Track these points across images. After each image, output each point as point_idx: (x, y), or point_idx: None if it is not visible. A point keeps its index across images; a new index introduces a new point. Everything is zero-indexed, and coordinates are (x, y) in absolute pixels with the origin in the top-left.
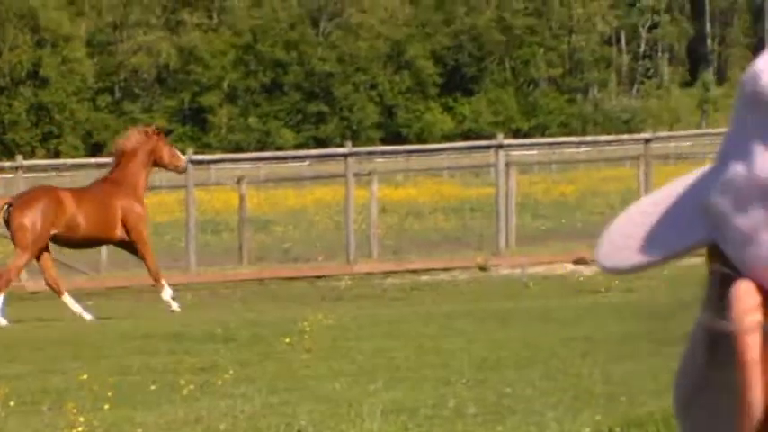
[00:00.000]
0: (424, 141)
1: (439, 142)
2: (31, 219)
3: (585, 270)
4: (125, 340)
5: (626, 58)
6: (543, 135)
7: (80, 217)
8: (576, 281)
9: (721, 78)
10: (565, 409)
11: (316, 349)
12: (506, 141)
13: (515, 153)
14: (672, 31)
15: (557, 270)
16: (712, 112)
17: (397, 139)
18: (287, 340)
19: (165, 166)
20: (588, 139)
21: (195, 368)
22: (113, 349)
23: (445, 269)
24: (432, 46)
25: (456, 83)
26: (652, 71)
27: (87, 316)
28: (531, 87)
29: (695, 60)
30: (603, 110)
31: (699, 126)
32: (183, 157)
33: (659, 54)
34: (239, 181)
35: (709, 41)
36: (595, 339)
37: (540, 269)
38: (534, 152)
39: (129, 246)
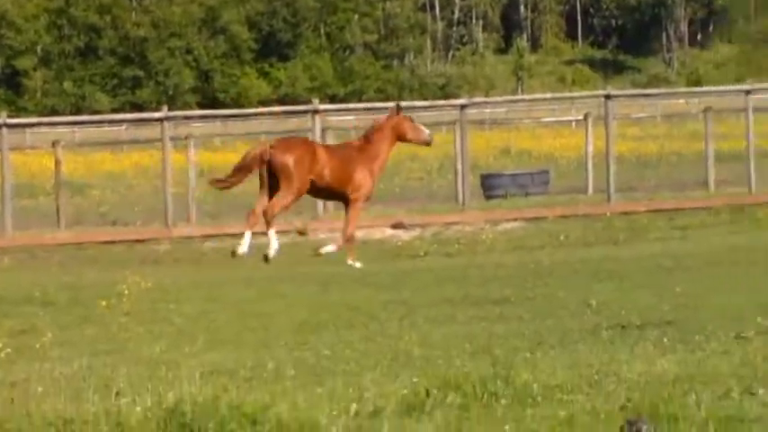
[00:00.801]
0: (241, 106)
1: (255, 107)
2: (292, 161)
3: (404, 235)
4: None
5: (441, 25)
6: (359, 100)
7: (326, 170)
8: (395, 245)
9: (535, 45)
10: (383, 371)
11: (135, 312)
12: (322, 106)
13: (332, 118)
14: None
15: (375, 234)
16: (527, 79)
17: (213, 103)
18: (105, 303)
19: (409, 141)
20: (404, 104)
21: (13, 331)
22: None
23: (264, 233)
24: (246, 11)
25: (271, 48)
26: (467, 38)
27: (273, 250)
28: (346, 53)
29: (509, 27)
30: (419, 76)
31: (514, 92)
32: (427, 131)
33: (473, 21)
34: (55, 145)
35: (522, 8)
36: (414, 303)
37: (358, 233)
38: (351, 117)
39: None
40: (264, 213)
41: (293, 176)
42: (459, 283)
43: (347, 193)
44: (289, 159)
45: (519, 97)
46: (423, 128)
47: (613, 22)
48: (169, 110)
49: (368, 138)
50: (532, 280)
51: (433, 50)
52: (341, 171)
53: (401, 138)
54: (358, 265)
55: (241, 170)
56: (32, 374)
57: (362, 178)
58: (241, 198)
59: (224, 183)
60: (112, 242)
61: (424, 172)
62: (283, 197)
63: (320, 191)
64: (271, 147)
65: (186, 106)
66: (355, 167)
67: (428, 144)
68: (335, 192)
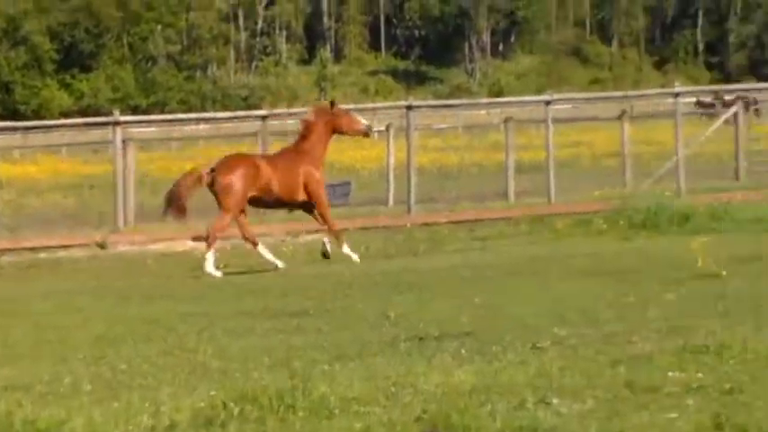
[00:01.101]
0: (42, 118)
1: (57, 119)
2: (234, 182)
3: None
4: None
5: (244, 35)
6: (162, 112)
7: (273, 181)
8: (195, 258)
9: (338, 55)
10: (180, 385)
11: None
12: (123, 118)
13: (134, 130)
14: (289, 8)
15: (176, 247)
16: (330, 90)
17: (14, 115)
18: None
19: (346, 133)
20: (207, 115)
21: None
22: None
23: (63, 246)
24: (48, 22)
25: (73, 59)
26: (270, 48)
27: (280, 264)
28: (149, 64)
29: (312, 38)
30: (222, 87)
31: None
32: (365, 122)
33: (277, 31)
34: None
35: (325, 19)
36: (213, 315)
37: (159, 246)
38: (153, 129)
39: (307, 206)
40: (207, 235)
41: (235, 196)
42: (259, 296)
43: (298, 199)
44: (232, 180)
45: None
46: (360, 119)
47: (416, 32)
48: None
49: (304, 137)
50: (332, 292)
51: (237, 61)
52: (287, 180)
53: (338, 131)
54: (354, 256)
55: (182, 198)
56: None
57: (310, 179)
58: (41, 212)
59: (176, 213)
60: None
61: None
62: (223, 218)
63: (270, 203)
64: (212, 170)
65: None
66: (299, 171)
67: (367, 135)
68: (285, 201)
